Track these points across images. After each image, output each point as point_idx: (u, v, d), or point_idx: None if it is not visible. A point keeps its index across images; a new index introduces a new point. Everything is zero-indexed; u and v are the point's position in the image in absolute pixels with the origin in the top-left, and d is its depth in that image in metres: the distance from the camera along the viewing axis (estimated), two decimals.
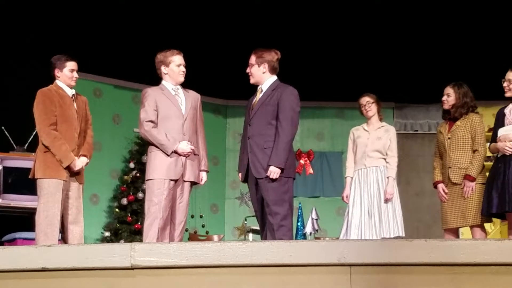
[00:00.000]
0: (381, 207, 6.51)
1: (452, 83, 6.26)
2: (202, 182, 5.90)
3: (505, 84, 5.89)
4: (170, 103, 5.75)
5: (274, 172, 5.47)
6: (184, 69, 5.84)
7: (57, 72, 5.90)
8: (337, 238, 6.91)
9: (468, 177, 6.01)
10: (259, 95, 5.72)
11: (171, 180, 5.65)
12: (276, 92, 5.64)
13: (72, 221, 5.82)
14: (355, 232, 6.52)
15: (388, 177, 6.57)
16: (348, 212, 6.66)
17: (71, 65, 5.90)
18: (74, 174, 5.82)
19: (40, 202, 5.70)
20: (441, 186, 6.20)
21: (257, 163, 5.56)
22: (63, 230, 5.85)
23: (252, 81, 5.77)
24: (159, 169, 5.66)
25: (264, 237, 5.56)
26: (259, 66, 5.70)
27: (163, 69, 5.82)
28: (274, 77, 5.75)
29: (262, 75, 5.71)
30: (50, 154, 5.72)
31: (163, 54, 5.84)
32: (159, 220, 5.58)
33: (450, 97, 6.22)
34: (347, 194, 6.71)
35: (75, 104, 5.90)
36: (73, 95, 5.92)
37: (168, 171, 5.66)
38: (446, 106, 6.26)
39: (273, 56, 5.72)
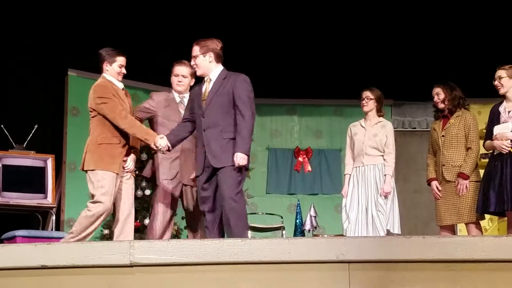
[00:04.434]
0: (379, 204, 6.51)
1: (436, 83, 6.30)
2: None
3: (496, 83, 5.91)
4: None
5: (242, 158, 5.28)
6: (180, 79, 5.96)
7: (105, 66, 5.67)
8: (336, 235, 6.92)
9: (462, 175, 6.03)
10: (208, 86, 5.52)
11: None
12: (228, 81, 5.46)
13: (126, 215, 5.65)
14: (351, 229, 6.53)
15: (385, 175, 6.57)
16: (345, 208, 6.66)
17: (121, 60, 5.68)
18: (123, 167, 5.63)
19: (93, 194, 5.54)
20: (434, 183, 6.22)
21: (216, 153, 5.36)
22: (114, 223, 5.68)
23: (199, 72, 5.58)
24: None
25: (211, 233, 5.37)
26: (204, 56, 5.51)
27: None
28: (221, 67, 5.57)
29: (208, 64, 5.52)
30: (104, 146, 5.53)
31: None
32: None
33: (440, 95, 6.25)
34: (345, 191, 6.71)
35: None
36: (123, 88, 5.74)
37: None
38: (440, 105, 6.27)
39: (217, 44, 5.56)
